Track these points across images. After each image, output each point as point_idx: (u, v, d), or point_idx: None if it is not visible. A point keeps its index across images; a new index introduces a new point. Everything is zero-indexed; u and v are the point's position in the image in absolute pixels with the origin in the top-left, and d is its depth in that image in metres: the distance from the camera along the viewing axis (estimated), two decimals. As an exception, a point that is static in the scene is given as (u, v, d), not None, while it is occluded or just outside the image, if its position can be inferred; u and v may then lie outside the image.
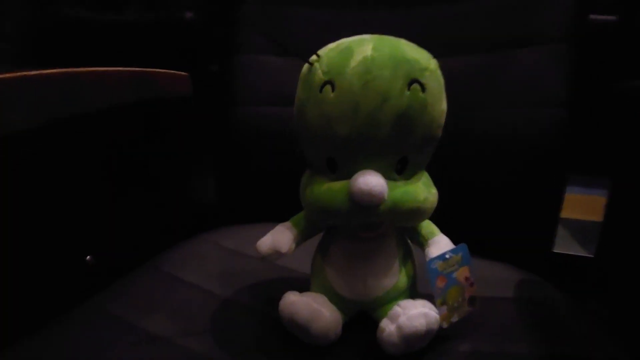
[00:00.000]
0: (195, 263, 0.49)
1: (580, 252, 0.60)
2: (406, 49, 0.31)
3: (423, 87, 0.30)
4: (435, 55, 0.32)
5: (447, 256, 0.36)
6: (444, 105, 0.33)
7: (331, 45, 0.33)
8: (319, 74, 0.31)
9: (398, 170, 0.33)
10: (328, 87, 0.31)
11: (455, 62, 0.51)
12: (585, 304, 0.42)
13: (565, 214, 0.53)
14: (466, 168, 0.51)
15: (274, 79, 0.57)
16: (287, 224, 0.39)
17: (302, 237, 0.38)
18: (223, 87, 0.58)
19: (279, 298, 0.36)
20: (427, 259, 0.36)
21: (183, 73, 0.53)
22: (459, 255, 0.37)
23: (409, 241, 0.39)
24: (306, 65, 0.33)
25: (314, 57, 0.33)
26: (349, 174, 0.32)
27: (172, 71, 0.51)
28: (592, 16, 0.52)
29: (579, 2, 0.49)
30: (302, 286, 0.39)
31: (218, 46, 0.60)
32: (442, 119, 0.33)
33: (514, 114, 0.50)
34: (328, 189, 0.33)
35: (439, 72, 0.32)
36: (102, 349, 0.35)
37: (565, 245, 0.63)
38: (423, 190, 0.33)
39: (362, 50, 0.31)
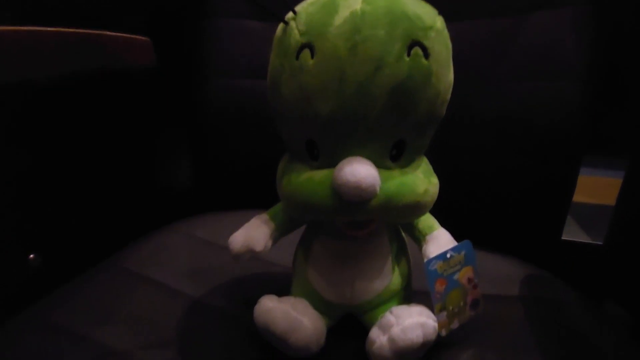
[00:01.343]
0: (163, 257, 0.43)
1: (589, 240, 0.55)
2: (406, 2, 0.24)
3: (427, 52, 0.24)
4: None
5: (447, 255, 0.31)
6: (451, 76, 0.27)
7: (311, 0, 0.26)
8: (295, 36, 0.25)
9: (393, 156, 0.27)
10: (306, 52, 0.24)
11: (457, 27, 0.44)
12: (600, 303, 0.38)
13: (575, 197, 0.48)
14: (468, 150, 0.46)
15: (253, 47, 0.49)
16: (264, 216, 0.34)
17: (280, 232, 0.34)
18: (193, 57, 0.51)
19: (257, 299, 0.31)
20: (425, 259, 0.31)
21: (144, 38, 0.45)
22: (462, 254, 0.32)
23: (403, 233, 0.34)
24: (281, 25, 0.27)
25: (290, 14, 0.26)
26: (333, 162, 0.26)
27: (130, 35, 0.43)
28: None
29: None
30: (284, 285, 0.35)
31: (186, 7, 0.51)
32: (449, 94, 0.27)
33: (525, 87, 0.44)
34: (308, 180, 0.27)
35: (446, 33, 0.26)
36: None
37: (573, 233, 0.59)
38: (423, 181, 0.27)
39: (349, 4, 0.24)
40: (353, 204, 0.25)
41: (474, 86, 0.44)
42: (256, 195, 0.37)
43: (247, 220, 0.33)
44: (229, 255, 0.32)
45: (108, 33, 0.41)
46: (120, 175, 0.49)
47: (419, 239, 0.33)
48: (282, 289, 0.34)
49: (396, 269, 0.33)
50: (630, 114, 0.46)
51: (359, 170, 0.24)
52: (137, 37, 0.44)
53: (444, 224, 0.33)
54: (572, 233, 0.61)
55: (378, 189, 0.25)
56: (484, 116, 0.44)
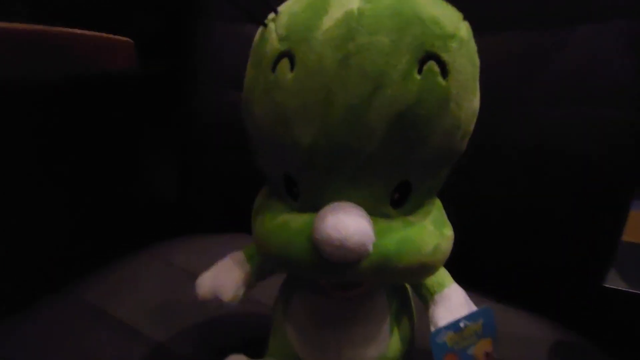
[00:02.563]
0: (130, 289, 0.38)
1: (628, 288, 0.47)
2: (421, 1, 0.18)
3: (445, 69, 0.18)
4: None
5: (461, 325, 0.25)
6: (476, 102, 0.21)
7: None
8: (273, 41, 0.19)
9: (395, 201, 0.21)
10: (285, 63, 0.19)
11: (486, 41, 0.37)
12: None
13: (625, 236, 0.40)
14: (492, 186, 0.39)
15: (245, 53, 0.44)
16: (239, 256, 0.28)
17: (257, 276, 0.28)
18: (183, 63, 0.46)
19: (228, 349, 0.27)
20: (432, 327, 0.24)
21: (125, 39, 0.40)
22: (479, 323, 0.25)
23: (407, 286, 0.28)
24: (260, 29, 0.21)
25: (271, 14, 0.21)
26: (316, 204, 0.20)
27: (111, 35, 0.38)
28: None
29: None
30: (263, 332, 0.29)
31: (175, 8, 0.46)
32: (473, 123, 0.21)
33: (563, 114, 0.37)
34: (283, 227, 0.21)
35: (473, 45, 0.20)
36: None
37: (617, 279, 0.50)
38: (432, 235, 0.21)
39: (343, 1, 0.18)
40: (338, 264, 0.19)
41: (502, 110, 0.38)
42: (247, 218, 0.32)
43: (235, 246, 0.28)
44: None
45: (86, 32, 0.36)
46: (95, 190, 0.43)
47: (426, 297, 0.26)
48: (260, 339, 0.29)
49: (395, 332, 0.26)
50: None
51: (346, 224, 0.18)
52: (117, 37, 0.39)
53: (459, 276, 0.27)
54: (623, 280, 0.52)
55: (371, 247, 0.19)
56: (514, 146, 0.37)
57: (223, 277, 0.27)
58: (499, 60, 0.37)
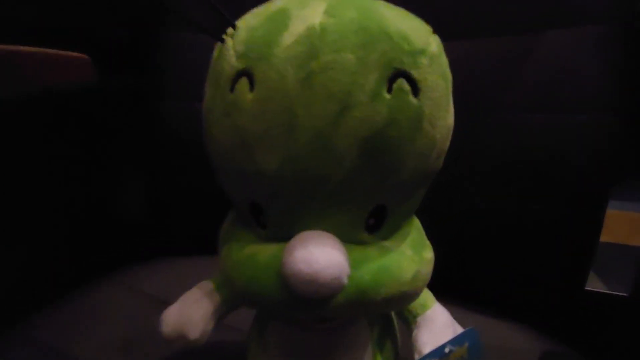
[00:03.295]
0: (91, 323, 0.35)
1: (615, 289, 0.47)
2: (387, 15, 0.17)
3: (416, 87, 0.16)
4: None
5: (446, 350, 0.23)
6: (450, 118, 0.19)
7: (257, 9, 0.19)
8: (231, 59, 0.18)
9: (370, 226, 0.19)
10: (244, 83, 0.17)
11: (462, 47, 0.37)
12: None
13: (603, 237, 0.40)
14: (469, 195, 0.38)
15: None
16: (208, 285, 0.26)
17: (228, 307, 0.26)
18: (144, 75, 0.43)
19: None
20: (416, 355, 0.23)
21: (81, 55, 0.38)
22: (464, 347, 0.24)
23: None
24: (218, 45, 0.20)
25: (229, 29, 0.19)
26: (285, 233, 0.18)
27: (66, 52, 0.36)
28: None
29: None
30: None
31: (131, 17, 0.44)
32: (447, 141, 0.20)
33: (540, 119, 0.37)
34: (250, 259, 0.19)
35: (444, 60, 0.18)
36: None
37: (598, 281, 0.50)
38: (412, 261, 0.20)
39: (305, 15, 0.17)
40: (310, 301, 0.17)
41: (478, 118, 0.37)
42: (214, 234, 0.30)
43: (208, 269, 0.26)
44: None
45: (37, 49, 0.33)
46: (56, 210, 0.40)
47: (409, 320, 0.25)
48: None
49: (378, 358, 0.25)
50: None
51: (317, 256, 0.17)
52: (72, 54, 0.36)
53: (441, 291, 0.26)
54: (603, 282, 0.52)
55: (345, 280, 0.17)
56: (491, 154, 0.37)
57: (189, 312, 0.25)
58: (474, 67, 0.37)
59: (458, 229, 0.37)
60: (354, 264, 0.18)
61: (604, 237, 0.42)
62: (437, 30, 0.19)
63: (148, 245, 0.45)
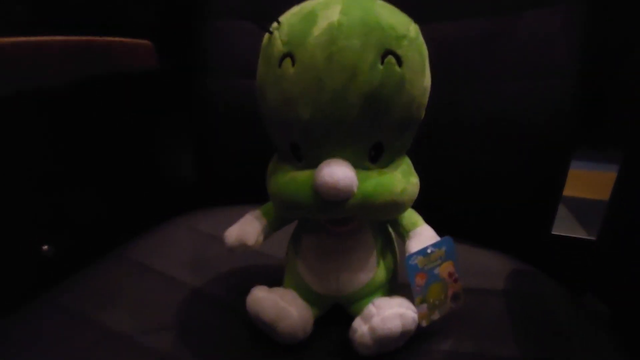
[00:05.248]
0: (167, 250, 0.46)
1: (582, 235, 0.56)
2: (381, 13, 0.26)
3: (400, 60, 0.25)
4: (426, 19, 0.27)
5: (428, 251, 0.33)
6: (426, 82, 0.28)
7: (294, 9, 0.28)
8: (278, 45, 0.27)
9: (372, 157, 0.28)
10: (288, 61, 0.26)
11: (449, 28, 0.44)
12: (583, 298, 0.39)
13: (568, 191, 0.48)
14: (458, 145, 0.46)
15: (250, 47, 0.51)
16: (257, 212, 0.36)
17: (271, 228, 0.36)
18: (195, 57, 0.52)
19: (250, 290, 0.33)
20: (407, 254, 0.32)
21: (146, 42, 0.47)
22: (442, 250, 0.33)
23: (391, 230, 0.36)
24: (267, 35, 0.29)
25: (274, 24, 0.28)
26: (315, 163, 0.28)
27: (133, 39, 0.45)
28: None
29: None
30: (278, 276, 0.37)
31: (186, 10, 0.54)
32: (425, 98, 0.28)
33: (515, 86, 0.44)
34: (292, 180, 0.29)
35: (420, 41, 0.27)
36: (55, 346, 0.32)
37: (565, 227, 0.59)
38: (400, 181, 0.29)
39: (327, 15, 0.26)
40: (332, 203, 0.27)
41: (464, 85, 0.45)
42: (256, 191, 0.39)
43: (242, 215, 0.35)
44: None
45: (112, 39, 0.43)
46: (127, 172, 0.51)
47: (403, 235, 0.34)
48: (275, 280, 0.36)
49: (381, 262, 0.34)
50: (624, 110, 0.46)
51: (337, 172, 0.26)
52: (140, 41, 0.46)
53: (432, 220, 0.34)
54: (568, 228, 0.61)
55: (355, 189, 0.27)
56: (474, 114, 0.45)
57: (246, 228, 0.34)
58: (460, 43, 0.44)
59: (443, 173, 0.45)
60: (360, 180, 0.27)
61: (569, 192, 0.49)
62: (431, 12, 0.26)
63: (200, 198, 0.56)
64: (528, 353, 0.32)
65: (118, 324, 0.35)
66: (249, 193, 0.51)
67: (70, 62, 0.38)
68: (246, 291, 0.33)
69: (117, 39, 0.44)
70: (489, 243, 0.46)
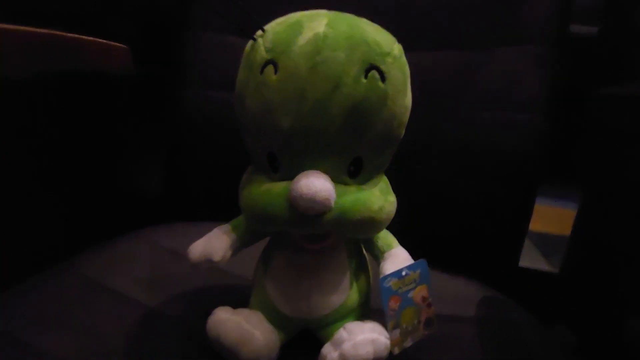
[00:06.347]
0: (125, 265, 0.42)
1: (546, 268, 0.58)
2: (367, 29, 0.26)
3: (383, 76, 0.25)
4: (406, 48, 0.27)
5: (403, 273, 0.32)
6: (407, 100, 0.28)
7: (279, 19, 0.28)
8: (261, 52, 0.26)
9: (351, 173, 0.28)
10: (270, 68, 0.25)
11: (427, 57, 0.47)
12: (553, 326, 0.39)
13: (532, 226, 0.50)
14: (431, 172, 0.47)
15: (229, 60, 0.50)
16: (226, 227, 0.34)
17: (241, 243, 0.34)
18: (173, 66, 0.51)
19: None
20: (381, 276, 0.31)
21: (122, 45, 0.46)
22: (417, 273, 0.32)
23: (365, 252, 0.35)
24: (250, 42, 0.28)
25: (259, 32, 0.27)
26: (292, 175, 0.27)
27: (109, 42, 0.44)
28: (573, 26, 0.49)
29: (561, 9, 0.46)
30: (243, 297, 0.35)
31: (167, 19, 0.53)
32: (405, 117, 0.28)
33: (487, 117, 0.46)
34: (266, 192, 0.27)
35: (403, 60, 0.27)
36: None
37: (530, 260, 0.61)
38: (378, 198, 0.28)
39: (313, 26, 0.25)
40: (308, 216, 0.26)
41: (440, 113, 0.47)
42: (225, 207, 0.37)
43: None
44: (192, 266, 0.32)
45: (85, 37, 0.41)
46: (88, 178, 0.48)
47: (378, 256, 0.33)
48: (240, 301, 0.33)
49: (354, 285, 0.33)
50: (583, 148, 0.49)
51: (315, 184, 0.25)
52: (115, 43, 0.44)
53: (406, 245, 0.34)
54: (534, 261, 0.63)
55: (333, 202, 0.26)
56: (449, 142, 0.46)
57: (213, 242, 0.32)
58: (438, 73, 0.46)
59: (415, 197, 0.45)
60: (338, 194, 0.26)
61: (548, 229, 0.52)
62: (412, 42, 0.27)
63: (166, 211, 0.53)
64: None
65: (59, 349, 0.31)
66: (218, 209, 0.48)
67: (37, 54, 0.35)
68: (207, 313, 0.31)
69: (90, 38, 0.43)
70: (459, 270, 0.46)
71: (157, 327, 0.35)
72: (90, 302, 0.37)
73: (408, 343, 0.32)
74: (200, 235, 0.33)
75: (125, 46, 0.46)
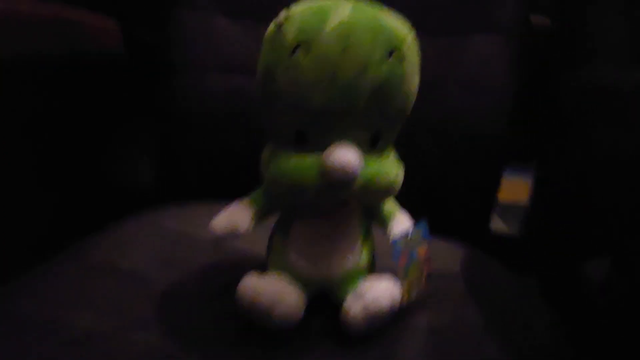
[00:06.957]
0: (131, 247, 0.43)
1: (507, 232, 0.67)
2: (385, 17, 0.29)
3: (402, 57, 0.29)
4: None
5: (410, 232, 0.36)
6: (417, 80, 0.32)
7: (301, 5, 0.30)
8: (290, 35, 0.28)
9: (371, 144, 0.31)
10: (302, 51, 0.28)
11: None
12: (525, 277, 0.47)
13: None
14: (413, 149, 0.52)
15: (219, 42, 0.51)
16: (245, 200, 0.35)
17: (260, 216, 0.35)
18: (162, 47, 0.50)
19: (231, 284, 0.33)
20: (391, 237, 0.36)
21: (110, 21, 0.44)
22: (420, 232, 0.37)
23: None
24: (273, 25, 0.30)
25: (283, 15, 0.29)
26: (320, 148, 0.29)
27: (95, 15, 0.41)
28: (533, 16, 0.56)
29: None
30: (258, 269, 0.37)
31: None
32: (415, 95, 0.32)
33: (462, 98, 0.52)
34: (297, 164, 0.30)
35: (416, 44, 0.31)
36: (22, 354, 0.28)
37: (495, 226, 0.70)
38: (395, 167, 0.32)
39: (338, 13, 0.28)
40: (337, 185, 0.29)
41: (420, 98, 0.52)
42: (222, 187, 0.38)
43: (213, 211, 0.34)
44: (200, 244, 0.33)
45: (70, 11, 0.39)
46: (75, 167, 0.46)
47: (384, 220, 0.37)
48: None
49: (365, 247, 0.37)
50: (536, 128, 0.58)
51: (347, 155, 0.28)
52: (103, 18, 0.42)
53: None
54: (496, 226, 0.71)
55: (359, 172, 0.29)
56: (427, 121, 0.52)
57: (236, 214, 0.34)
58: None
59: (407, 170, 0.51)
60: (364, 164, 0.30)
61: (504, 196, 0.59)
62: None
63: (163, 195, 0.53)
64: (495, 318, 0.37)
65: (89, 323, 0.31)
66: (211, 190, 0.49)
67: (11, 33, 0.32)
68: (225, 286, 0.33)
69: (75, 11, 0.40)
70: (443, 233, 0.52)
71: (179, 301, 0.36)
72: (105, 282, 0.37)
73: (414, 295, 0.37)
74: (203, 214, 0.34)
75: (115, 23, 0.44)
